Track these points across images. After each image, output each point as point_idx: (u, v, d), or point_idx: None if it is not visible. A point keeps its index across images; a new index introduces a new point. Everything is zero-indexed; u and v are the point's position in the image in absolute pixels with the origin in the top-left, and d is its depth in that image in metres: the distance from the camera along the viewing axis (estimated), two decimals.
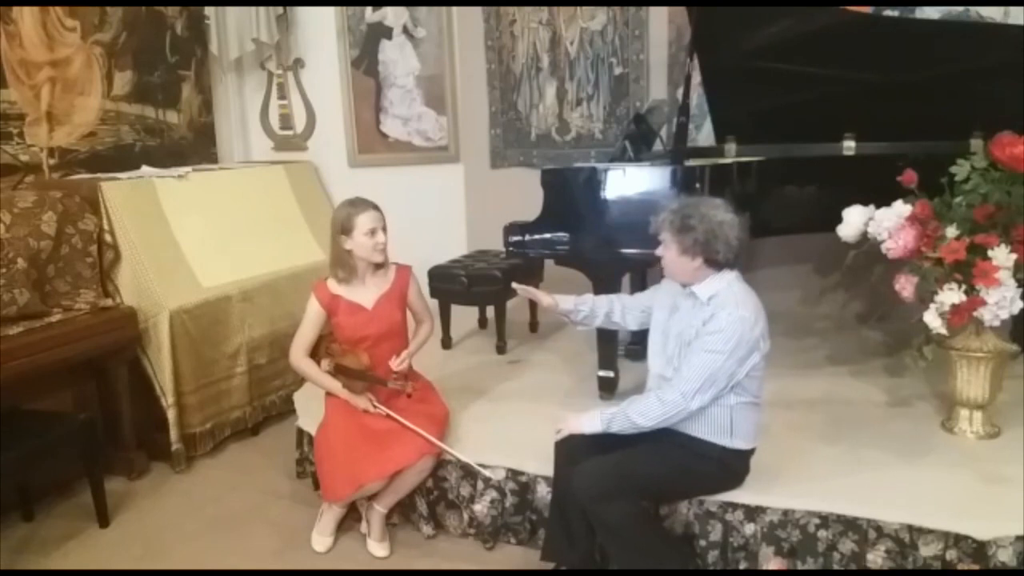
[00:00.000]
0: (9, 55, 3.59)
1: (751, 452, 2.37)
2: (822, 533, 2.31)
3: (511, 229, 3.15)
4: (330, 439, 2.70)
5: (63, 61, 3.85)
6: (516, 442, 2.77)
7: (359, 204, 2.74)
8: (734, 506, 2.38)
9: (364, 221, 2.69)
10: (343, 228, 2.71)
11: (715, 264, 2.24)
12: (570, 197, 3.05)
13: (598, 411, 2.33)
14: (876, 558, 2.25)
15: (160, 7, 4.41)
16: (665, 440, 2.27)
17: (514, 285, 2.75)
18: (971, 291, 2.47)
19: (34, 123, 3.73)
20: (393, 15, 4.73)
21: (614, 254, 2.97)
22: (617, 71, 4.35)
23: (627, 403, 2.29)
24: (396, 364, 2.74)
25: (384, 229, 2.75)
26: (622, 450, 2.27)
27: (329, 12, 4.82)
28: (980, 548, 2.17)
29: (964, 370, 2.69)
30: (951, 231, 2.54)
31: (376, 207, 2.75)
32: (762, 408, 2.36)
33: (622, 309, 2.59)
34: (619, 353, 3.22)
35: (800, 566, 2.33)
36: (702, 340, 2.20)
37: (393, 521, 2.81)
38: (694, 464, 2.29)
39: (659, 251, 2.32)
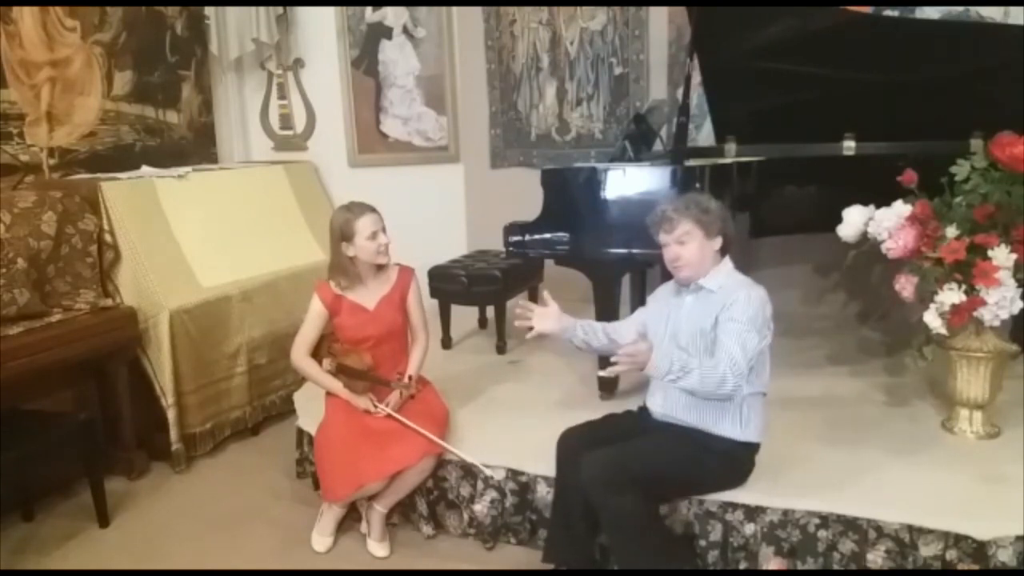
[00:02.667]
0: (9, 55, 3.59)
1: (758, 447, 2.37)
2: (822, 533, 2.31)
3: (511, 229, 3.15)
4: (330, 439, 2.70)
5: (63, 61, 3.85)
6: (516, 442, 2.77)
7: (356, 209, 2.73)
8: (734, 506, 2.38)
9: (364, 225, 2.69)
10: (343, 235, 2.71)
11: (727, 243, 2.32)
12: (570, 197, 3.05)
13: (664, 352, 2.15)
14: (876, 558, 2.25)
15: (160, 7, 4.41)
16: (676, 434, 2.29)
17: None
18: (971, 291, 2.47)
19: (34, 123, 3.73)
20: (393, 15, 4.73)
21: (614, 254, 2.97)
22: (617, 71, 4.35)
23: (699, 366, 2.12)
24: (401, 396, 2.73)
25: (384, 230, 2.75)
26: (632, 442, 2.27)
27: (329, 12, 4.82)
28: (980, 548, 2.16)
29: (964, 370, 2.69)
30: (951, 231, 2.54)
31: (373, 209, 2.75)
32: (767, 402, 2.37)
33: (603, 335, 2.50)
34: None
35: (800, 566, 2.33)
36: (735, 324, 2.17)
37: (393, 521, 2.81)
38: (704, 458, 2.29)
39: (672, 253, 2.29)
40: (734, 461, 2.35)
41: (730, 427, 2.28)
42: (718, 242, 2.30)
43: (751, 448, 2.35)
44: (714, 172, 2.95)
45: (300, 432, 3.18)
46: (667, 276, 2.48)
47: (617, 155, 3.36)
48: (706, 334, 2.25)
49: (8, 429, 2.73)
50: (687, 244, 2.27)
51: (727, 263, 2.34)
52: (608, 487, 2.18)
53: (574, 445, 2.37)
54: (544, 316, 2.44)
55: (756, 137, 3.52)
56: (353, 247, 2.71)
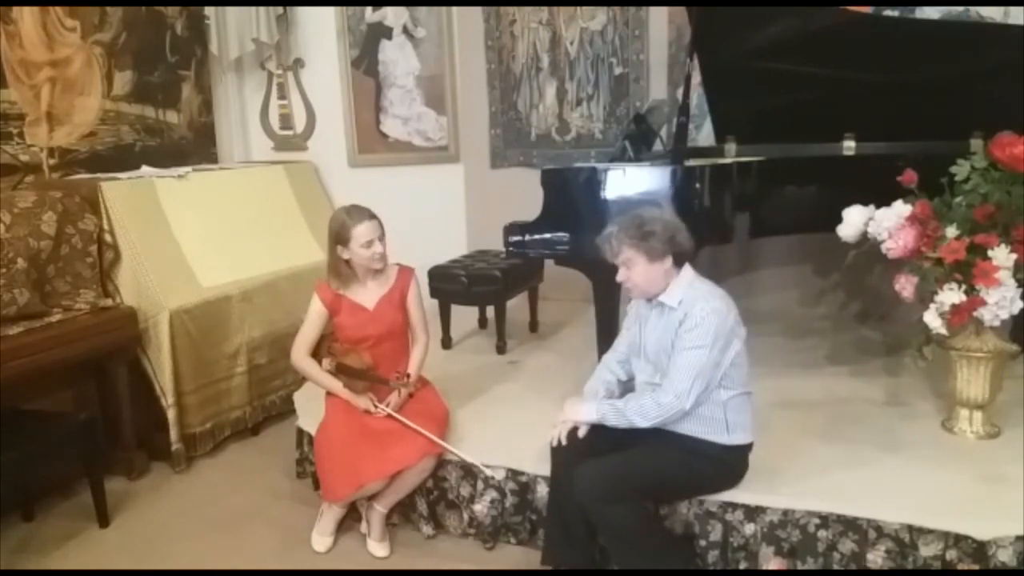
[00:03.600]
0: (9, 55, 3.59)
1: (750, 447, 2.37)
2: (822, 533, 2.31)
3: (511, 229, 3.15)
4: (330, 439, 2.70)
5: (63, 61, 3.85)
6: (516, 442, 2.77)
7: (355, 214, 2.70)
8: (734, 506, 2.38)
9: (360, 233, 2.67)
10: (339, 238, 2.70)
11: (681, 258, 2.29)
12: (570, 197, 3.05)
13: (595, 404, 2.35)
14: (876, 558, 2.25)
15: (160, 7, 4.41)
16: (665, 441, 2.28)
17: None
18: (971, 291, 2.47)
19: (34, 123, 3.73)
20: (393, 15, 4.74)
21: None
22: (617, 71, 4.35)
23: (625, 401, 2.31)
24: (400, 394, 2.74)
25: (382, 238, 2.73)
26: (622, 452, 2.27)
27: (329, 12, 4.82)
28: (980, 548, 2.16)
29: (964, 370, 2.69)
30: (951, 231, 2.54)
31: (373, 215, 2.71)
32: (753, 397, 2.37)
33: (619, 367, 2.54)
34: None
35: (800, 566, 2.33)
36: (682, 340, 2.23)
37: (393, 521, 2.81)
38: (695, 464, 2.30)
39: (621, 276, 2.32)
40: (725, 464, 2.35)
41: (717, 434, 2.28)
42: (667, 261, 2.27)
43: (742, 450, 2.36)
44: (714, 172, 2.95)
45: (300, 432, 3.18)
46: None
47: (617, 155, 3.35)
48: (670, 353, 2.26)
49: (8, 429, 2.73)
50: (632, 268, 2.28)
51: (686, 273, 2.32)
52: (604, 498, 2.19)
53: (570, 451, 2.35)
54: (572, 410, 2.39)
55: (756, 137, 3.52)
56: (348, 252, 2.71)
